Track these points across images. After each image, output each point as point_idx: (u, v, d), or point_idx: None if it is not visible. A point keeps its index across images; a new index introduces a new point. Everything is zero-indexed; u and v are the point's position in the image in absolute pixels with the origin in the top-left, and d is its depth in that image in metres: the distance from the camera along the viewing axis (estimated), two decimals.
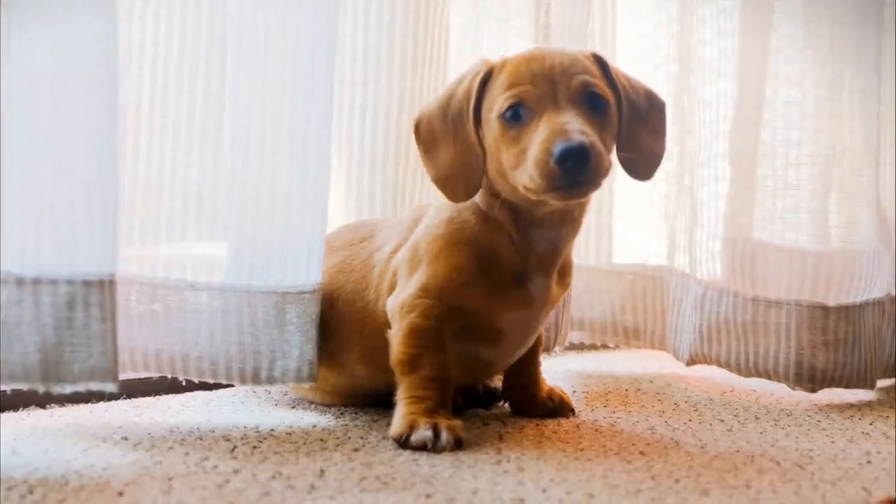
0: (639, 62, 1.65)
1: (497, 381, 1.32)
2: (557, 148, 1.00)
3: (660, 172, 1.59)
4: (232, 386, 1.32)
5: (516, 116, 1.06)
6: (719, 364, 1.47)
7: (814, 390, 1.42)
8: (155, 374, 1.18)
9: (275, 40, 1.15)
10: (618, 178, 1.66)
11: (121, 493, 0.89)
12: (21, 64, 0.98)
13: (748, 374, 1.45)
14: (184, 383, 1.23)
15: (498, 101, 1.08)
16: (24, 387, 1.00)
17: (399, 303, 1.13)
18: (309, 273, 1.17)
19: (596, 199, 1.61)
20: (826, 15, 1.46)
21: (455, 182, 1.11)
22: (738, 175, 1.50)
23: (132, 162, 1.17)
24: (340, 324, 1.20)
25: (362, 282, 1.20)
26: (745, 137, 1.49)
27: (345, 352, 1.20)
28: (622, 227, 1.68)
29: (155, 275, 1.16)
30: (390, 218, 1.32)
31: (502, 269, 1.12)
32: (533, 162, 1.03)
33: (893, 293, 1.51)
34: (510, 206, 1.12)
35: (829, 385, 1.42)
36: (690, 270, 1.51)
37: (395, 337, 1.13)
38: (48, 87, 0.99)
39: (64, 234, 1.00)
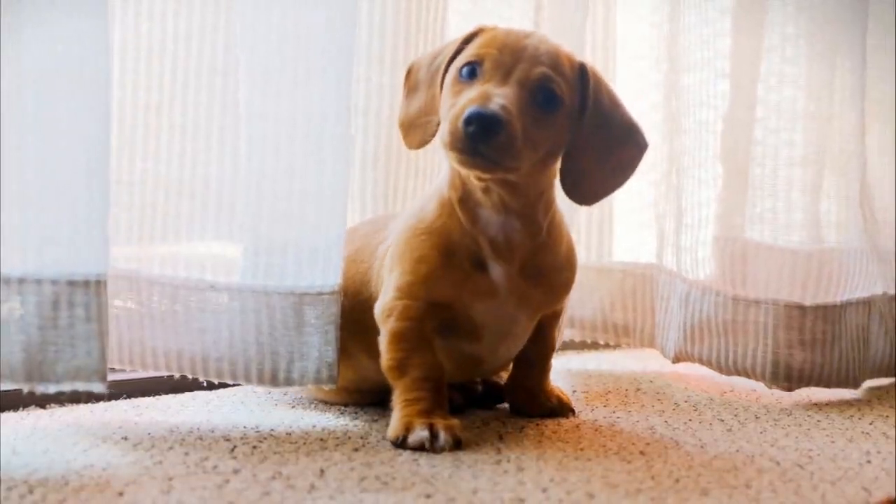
0: (637, 61, 1.65)
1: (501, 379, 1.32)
2: (468, 110, 1.01)
3: (654, 174, 1.61)
4: (234, 385, 1.32)
5: (471, 74, 1.08)
6: (701, 362, 1.48)
7: (790, 389, 1.42)
8: (177, 374, 1.19)
9: (289, 39, 1.15)
10: None
11: (121, 493, 0.89)
12: (9, 63, 0.98)
13: (728, 373, 1.45)
14: (204, 383, 1.23)
15: (462, 56, 1.10)
16: (7, 386, 1.01)
17: (380, 308, 1.14)
18: (327, 273, 1.17)
19: None
20: (819, 14, 1.46)
21: (414, 129, 1.14)
22: (727, 174, 1.49)
23: (153, 162, 1.18)
24: (350, 312, 1.20)
25: (367, 274, 1.21)
26: (736, 138, 1.49)
27: (353, 341, 1.20)
28: (615, 225, 1.68)
29: (176, 275, 1.17)
30: (402, 213, 1.32)
31: (461, 255, 1.12)
32: (450, 116, 1.04)
33: (891, 293, 1.51)
34: (462, 182, 1.12)
35: (807, 384, 1.42)
36: (677, 269, 1.51)
37: (382, 343, 1.13)
38: (35, 85, 0.99)
39: (50, 235, 1.00)
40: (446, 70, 1.12)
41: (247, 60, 1.16)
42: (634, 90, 1.64)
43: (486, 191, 1.11)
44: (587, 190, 1.15)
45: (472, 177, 1.09)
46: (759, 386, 1.49)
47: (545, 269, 1.16)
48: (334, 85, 1.16)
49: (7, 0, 0.97)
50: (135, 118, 1.18)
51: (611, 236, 1.66)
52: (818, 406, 1.38)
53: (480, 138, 1.01)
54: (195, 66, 1.19)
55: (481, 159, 1.03)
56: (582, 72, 1.12)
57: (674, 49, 1.53)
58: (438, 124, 1.11)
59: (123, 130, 1.18)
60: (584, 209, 1.61)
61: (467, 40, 1.12)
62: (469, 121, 1.01)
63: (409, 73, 1.18)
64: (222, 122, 1.19)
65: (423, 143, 1.15)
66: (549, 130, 1.08)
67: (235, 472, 0.97)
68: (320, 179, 1.16)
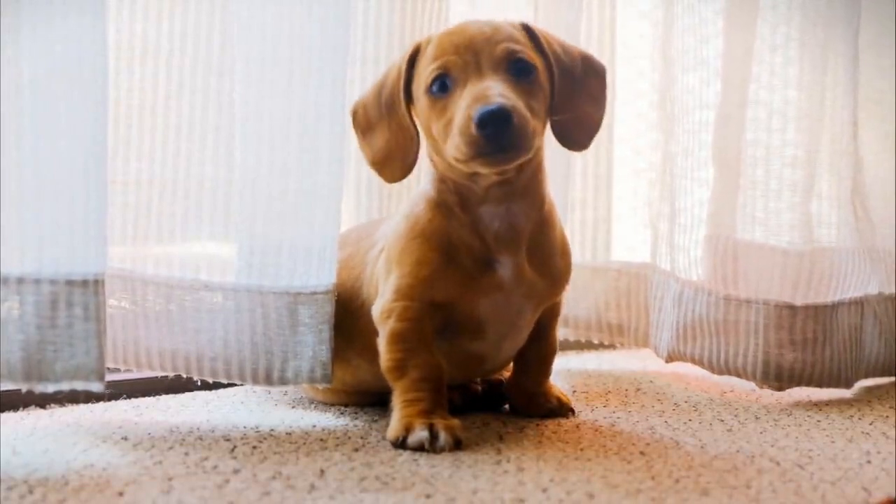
0: (638, 60, 1.65)
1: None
2: (477, 112, 1.01)
3: (651, 173, 1.61)
4: (234, 385, 1.32)
5: (443, 88, 1.07)
6: (694, 361, 1.48)
7: (781, 389, 1.42)
8: (171, 374, 1.20)
9: (284, 39, 1.15)
10: (614, 177, 1.67)
11: (121, 494, 0.89)
12: (8, 63, 0.98)
13: (720, 372, 1.46)
14: (198, 382, 1.23)
15: (424, 75, 1.09)
16: (7, 385, 1.01)
17: (379, 309, 1.14)
18: (321, 273, 1.17)
19: (581, 195, 1.62)
20: (812, 14, 1.46)
21: (391, 163, 1.14)
22: (718, 174, 1.49)
23: (148, 162, 1.19)
24: (344, 319, 1.20)
25: (359, 280, 1.21)
26: (728, 138, 1.49)
27: (348, 346, 1.20)
28: (613, 224, 1.68)
29: (171, 275, 1.17)
30: (390, 217, 1.32)
31: (463, 255, 1.12)
32: (457, 130, 1.03)
33: (886, 293, 1.51)
34: (456, 188, 1.12)
35: (798, 384, 1.42)
36: (671, 268, 1.51)
37: (381, 344, 1.13)
38: (33, 85, 0.99)
39: (48, 234, 1.00)
40: (407, 95, 1.12)
41: (242, 60, 1.16)
42: (635, 90, 1.65)
43: (488, 187, 1.11)
44: (581, 134, 1.16)
45: (493, 174, 1.09)
46: None
47: (546, 252, 1.17)
48: (329, 84, 1.16)
49: (6, 0, 0.97)
50: (129, 118, 1.19)
51: (607, 236, 1.66)
52: (818, 406, 1.38)
53: (500, 134, 1.01)
54: (190, 66, 1.19)
55: (504, 155, 1.04)
56: (528, 31, 1.13)
57: (670, 49, 1.53)
58: (417, 151, 1.12)
59: (118, 130, 1.18)
60: (578, 209, 1.62)
61: (411, 61, 1.12)
62: (483, 123, 1.01)
63: (354, 115, 1.17)
64: (217, 122, 1.20)
65: (404, 174, 1.14)
66: (538, 96, 1.09)
67: (235, 472, 0.97)
68: (315, 179, 1.17)
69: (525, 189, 1.13)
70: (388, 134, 1.14)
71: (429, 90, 1.08)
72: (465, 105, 1.03)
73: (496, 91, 1.03)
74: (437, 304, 1.13)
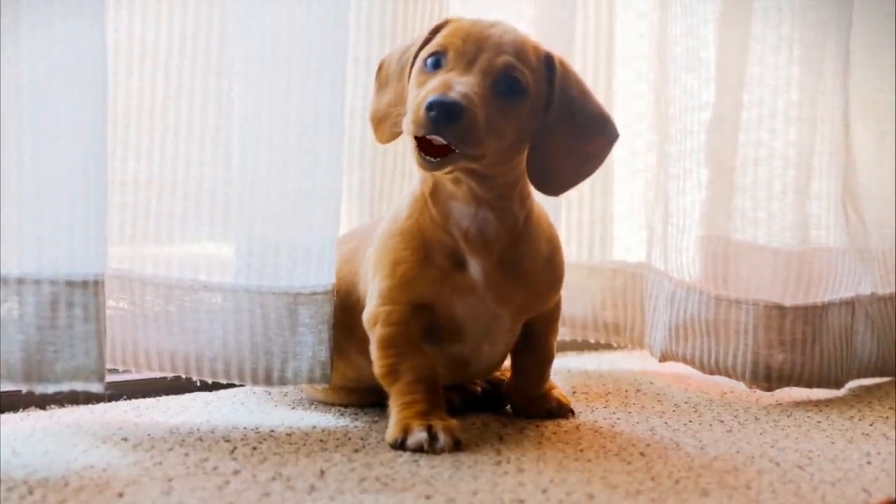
0: (637, 61, 1.65)
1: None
2: (430, 98, 1.01)
3: (649, 174, 1.60)
4: (234, 386, 1.32)
5: (436, 64, 1.08)
6: (685, 361, 1.48)
7: (770, 389, 1.43)
8: (170, 374, 1.20)
9: (283, 40, 1.15)
10: (613, 177, 1.67)
11: (121, 494, 0.89)
12: (7, 63, 0.98)
13: (711, 372, 1.46)
14: (198, 383, 1.23)
15: (428, 47, 1.10)
16: (7, 386, 1.01)
17: (367, 315, 1.14)
18: (320, 273, 1.18)
19: (578, 195, 1.62)
20: (805, 18, 1.46)
21: (384, 123, 1.15)
22: (712, 175, 1.49)
23: (147, 162, 1.18)
24: (344, 313, 1.20)
25: (357, 276, 1.21)
26: (722, 139, 1.49)
27: (347, 340, 1.21)
28: (614, 224, 1.68)
29: (170, 275, 1.17)
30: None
31: (437, 252, 1.12)
32: (413, 105, 1.04)
33: (879, 293, 1.51)
34: (433, 176, 1.11)
35: (788, 384, 1.42)
36: (664, 268, 1.51)
37: (372, 351, 1.13)
38: (33, 86, 0.99)
39: (48, 235, 1.00)
40: (414, 62, 1.12)
41: (241, 61, 1.17)
42: (634, 92, 1.64)
43: (456, 181, 1.10)
44: (553, 180, 1.14)
45: (419, 164, 1.07)
46: None
47: (525, 265, 1.15)
48: (328, 85, 1.16)
49: (6, 0, 0.97)
50: (128, 118, 1.19)
51: (604, 236, 1.66)
52: (818, 407, 1.38)
53: (442, 124, 1.01)
54: (189, 67, 1.19)
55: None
56: (548, 62, 1.11)
57: (666, 50, 1.53)
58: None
59: (117, 130, 1.18)
60: (575, 209, 1.62)
61: (435, 31, 1.12)
62: (430, 107, 1.01)
63: (380, 68, 1.18)
64: (216, 123, 1.19)
65: (392, 136, 1.14)
66: (513, 120, 1.07)
67: (235, 473, 0.97)
68: (314, 180, 1.17)
69: (494, 205, 1.12)
70: (391, 95, 1.14)
71: (424, 60, 1.09)
72: (431, 87, 1.04)
73: (461, 88, 1.02)
74: (419, 305, 1.12)
